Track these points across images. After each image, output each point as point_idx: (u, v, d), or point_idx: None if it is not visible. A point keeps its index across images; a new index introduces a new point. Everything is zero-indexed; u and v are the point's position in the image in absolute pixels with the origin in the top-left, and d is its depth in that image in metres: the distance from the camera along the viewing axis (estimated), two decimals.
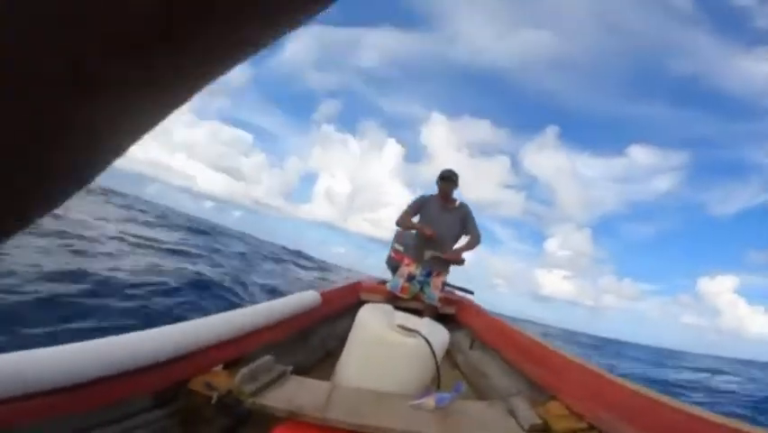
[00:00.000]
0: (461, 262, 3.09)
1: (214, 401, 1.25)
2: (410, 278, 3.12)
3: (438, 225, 3.05)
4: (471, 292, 3.69)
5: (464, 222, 3.13)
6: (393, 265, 3.93)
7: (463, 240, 3.15)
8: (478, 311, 3.23)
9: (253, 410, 1.30)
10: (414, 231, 3.16)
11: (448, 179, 3.07)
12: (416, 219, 3.15)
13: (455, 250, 3.10)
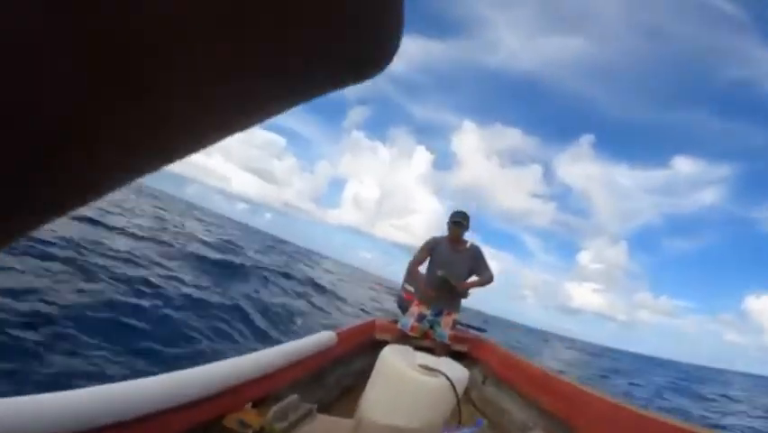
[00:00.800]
0: (464, 295, 3.13)
1: None
2: (420, 318, 3.15)
3: (448, 266, 3.10)
4: (484, 330, 3.72)
5: (475, 263, 3.16)
6: (403, 306, 3.96)
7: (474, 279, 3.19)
8: (491, 347, 3.25)
9: None
10: (423, 274, 3.23)
11: (458, 224, 3.11)
12: (426, 262, 3.23)
13: (466, 283, 3.14)
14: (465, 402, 2.64)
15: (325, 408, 1.76)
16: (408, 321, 3.16)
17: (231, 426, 1.33)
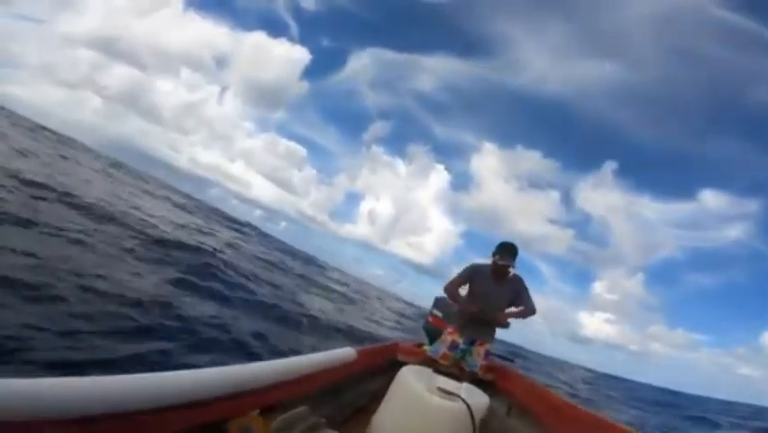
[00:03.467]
0: (506, 325, 2.96)
1: None
2: (453, 346, 3.01)
3: (488, 298, 2.95)
4: (511, 360, 3.54)
5: (518, 295, 2.99)
6: (430, 330, 3.83)
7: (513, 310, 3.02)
8: (517, 378, 3.12)
9: None
10: (462, 297, 3.07)
11: (507, 259, 2.86)
12: (464, 289, 3.05)
13: (506, 313, 2.98)
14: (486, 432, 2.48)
15: (336, 424, 1.69)
16: (440, 348, 3.03)
17: (234, 430, 1.30)
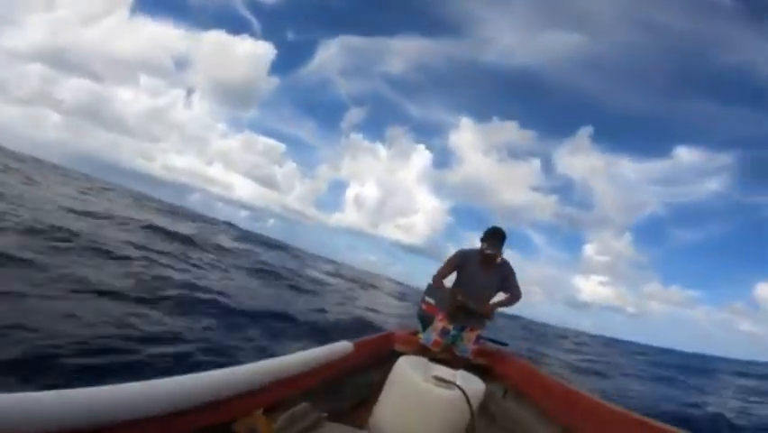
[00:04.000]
0: (490, 317, 3.05)
1: None
2: (444, 333, 3.08)
3: (476, 285, 3.02)
4: (506, 344, 3.62)
5: (505, 280, 3.05)
6: (424, 316, 3.90)
7: (501, 296, 3.09)
8: (512, 361, 3.19)
9: None
10: (449, 289, 3.13)
11: (495, 247, 2.92)
12: (453, 276, 3.13)
13: (492, 305, 3.05)
14: (484, 417, 2.56)
15: (338, 417, 1.75)
16: (431, 336, 3.11)
17: (240, 431, 1.34)
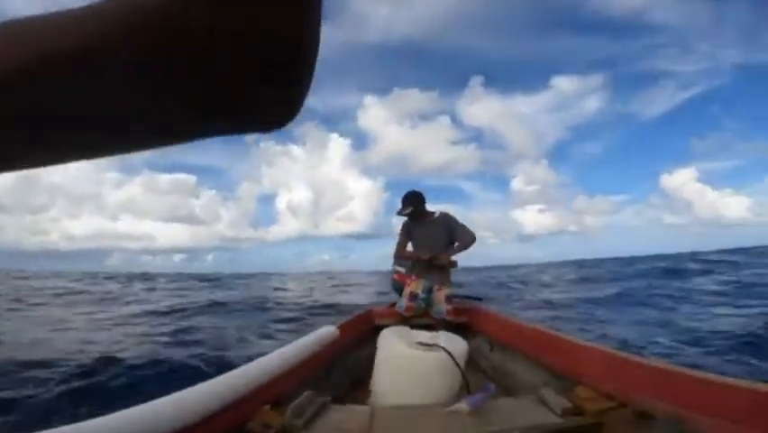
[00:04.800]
0: (452, 264, 3.22)
1: None
2: (413, 297, 3.23)
3: (426, 243, 3.20)
4: (480, 299, 3.84)
5: (451, 229, 3.24)
6: (397, 287, 4.06)
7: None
8: (490, 316, 3.34)
9: None
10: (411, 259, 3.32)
11: (405, 207, 3.21)
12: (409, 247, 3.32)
13: (448, 253, 3.21)
14: (475, 372, 2.73)
15: (339, 399, 1.84)
16: (403, 302, 3.25)
17: (255, 429, 1.41)
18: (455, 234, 3.23)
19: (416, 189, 3.31)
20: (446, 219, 3.26)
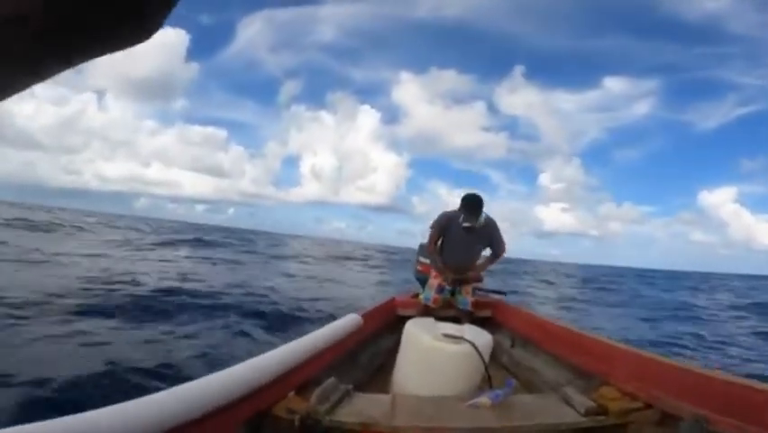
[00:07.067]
0: (479, 280, 3.18)
1: (297, 424, 1.41)
2: (440, 289, 3.22)
3: (461, 247, 3.12)
4: (504, 293, 3.80)
5: (491, 238, 3.13)
6: (421, 278, 4.06)
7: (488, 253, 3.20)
8: (514, 311, 3.32)
9: (330, 427, 1.46)
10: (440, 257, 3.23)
11: (472, 218, 2.93)
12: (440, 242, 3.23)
13: (478, 267, 3.17)
14: (496, 367, 2.72)
15: (361, 387, 1.88)
16: (430, 294, 3.25)
17: (280, 414, 1.46)
18: (492, 244, 3.14)
19: (477, 193, 3.06)
20: (490, 228, 3.10)
